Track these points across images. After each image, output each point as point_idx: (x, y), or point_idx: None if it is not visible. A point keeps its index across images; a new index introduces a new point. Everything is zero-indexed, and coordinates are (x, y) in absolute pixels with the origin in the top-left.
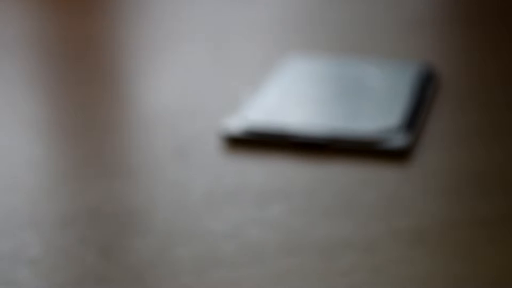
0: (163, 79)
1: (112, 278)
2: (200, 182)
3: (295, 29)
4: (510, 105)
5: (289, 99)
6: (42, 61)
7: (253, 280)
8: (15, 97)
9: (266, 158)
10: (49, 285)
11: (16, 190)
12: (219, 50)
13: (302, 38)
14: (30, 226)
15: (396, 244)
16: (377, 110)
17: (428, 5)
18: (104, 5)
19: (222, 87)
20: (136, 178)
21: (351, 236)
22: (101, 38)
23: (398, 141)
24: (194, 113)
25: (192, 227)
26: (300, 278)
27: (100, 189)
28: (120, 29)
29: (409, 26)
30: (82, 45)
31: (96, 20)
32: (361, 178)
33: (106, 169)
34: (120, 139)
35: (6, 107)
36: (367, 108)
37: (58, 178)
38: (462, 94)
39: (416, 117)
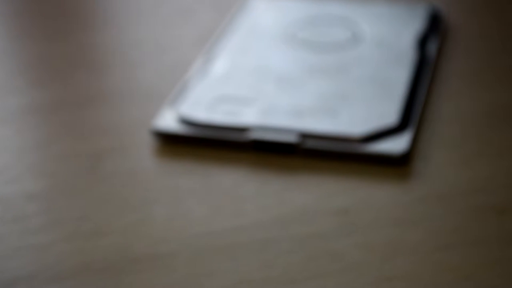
0: (97, 38)
1: None
2: (114, 225)
3: None
4: None
5: (246, 76)
6: None
7: None
8: None
9: (211, 171)
10: None
11: None
12: None
13: None
14: None
15: None
16: (368, 93)
17: None
18: None
19: (163, 54)
20: (23, 218)
21: None
22: None
23: (395, 144)
24: (123, 97)
25: None
26: None
27: None
28: None
29: None
30: None
31: None
32: (340, 210)
33: None
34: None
35: None
36: (354, 89)
37: None
38: (478, 59)
39: (418, 104)
